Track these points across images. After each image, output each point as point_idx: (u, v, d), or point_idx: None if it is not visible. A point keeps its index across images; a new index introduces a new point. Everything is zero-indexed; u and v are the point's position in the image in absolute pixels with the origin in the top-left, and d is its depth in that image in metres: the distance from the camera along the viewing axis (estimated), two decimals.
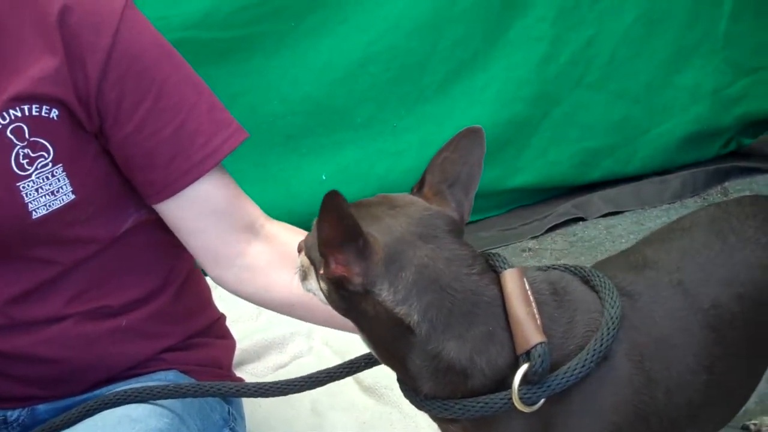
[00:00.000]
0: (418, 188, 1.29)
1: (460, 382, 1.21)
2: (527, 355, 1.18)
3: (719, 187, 3.63)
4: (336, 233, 1.15)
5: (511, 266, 1.25)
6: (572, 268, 1.34)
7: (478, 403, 1.21)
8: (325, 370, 1.59)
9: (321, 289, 1.27)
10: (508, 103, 3.50)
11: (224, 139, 1.58)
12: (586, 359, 1.20)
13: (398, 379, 1.29)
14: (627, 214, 3.48)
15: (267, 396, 1.62)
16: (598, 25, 3.53)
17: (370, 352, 1.35)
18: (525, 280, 1.23)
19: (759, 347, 1.44)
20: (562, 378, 1.20)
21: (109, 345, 1.63)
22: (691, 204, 3.53)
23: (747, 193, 3.48)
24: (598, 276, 1.30)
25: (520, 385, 1.18)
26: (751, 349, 1.42)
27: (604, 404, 1.26)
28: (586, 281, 1.31)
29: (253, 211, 1.66)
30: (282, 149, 3.29)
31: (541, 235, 3.38)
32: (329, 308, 1.31)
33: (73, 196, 1.50)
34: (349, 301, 1.23)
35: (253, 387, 1.62)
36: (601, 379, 1.23)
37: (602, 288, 1.28)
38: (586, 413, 1.25)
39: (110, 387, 1.65)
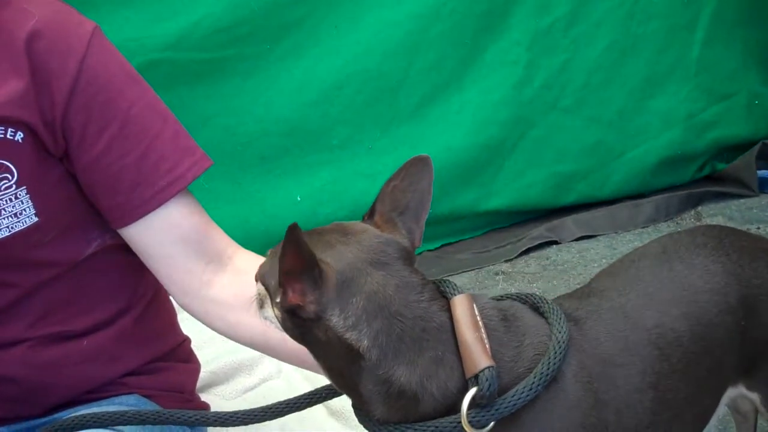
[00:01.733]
0: (369, 216, 1.30)
1: (412, 407, 1.22)
2: (475, 379, 1.19)
3: (693, 212, 3.65)
4: (296, 264, 1.16)
5: (461, 293, 1.26)
6: (522, 296, 1.36)
7: (429, 427, 1.21)
8: (286, 400, 1.58)
9: (276, 317, 1.28)
10: (483, 126, 3.52)
11: (189, 166, 1.58)
12: (533, 382, 1.21)
13: (353, 405, 1.29)
14: (600, 238, 3.49)
15: (227, 425, 1.60)
16: (573, 51, 3.58)
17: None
18: (474, 306, 1.24)
19: (710, 368, 1.45)
20: (510, 401, 1.21)
21: (70, 366, 1.62)
22: (665, 228, 3.55)
23: (720, 217, 3.50)
24: (546, 302, 1.32)
25: (469, 408, 1.19)
26: (701, 369, 1.43)
27: (554, 426, 1.27)
28: (535, 308, 1.33)
29: (222, 240, 1.65)
30: (257, 170, 3.30)
31: (515, 258, 3.39)
32: (298, 348, 1.32)
33: (36, 219, 1.50)
34: (302, 328, 1.23)
35: (213, 416, 1.61)
36: (551, 402, 1.25)
37: (550, 313, 1.30)
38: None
39: (70, 411, 1.64)
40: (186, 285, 1.61)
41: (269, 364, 2.51)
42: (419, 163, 1.30)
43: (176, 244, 1.58)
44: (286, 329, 1.27)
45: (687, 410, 1.43)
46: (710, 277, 1.47)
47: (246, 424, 1.59)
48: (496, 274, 3.28)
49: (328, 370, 1.27)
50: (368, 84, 3.36)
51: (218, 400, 2.29)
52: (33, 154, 1.48)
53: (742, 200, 3.67)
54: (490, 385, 1.19)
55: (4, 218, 1.47)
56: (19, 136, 1.45)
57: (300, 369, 2.44)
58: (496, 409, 1.20)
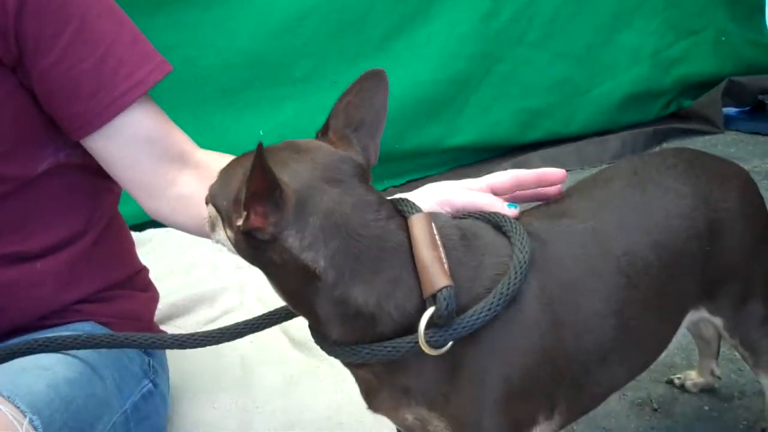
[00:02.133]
0: (323, 133, 1.25)
1: (369, 328, 1.19)
2: (433, 299, 1.17)
3: (658, 148, 3.64)
4: (261, 187, 1.11)
5: (419, 211, 1.23)
6: (486, 215, 1.32)
7: (386, 347, 1.19)
8: (243, 321, 1.55)
9: (228, 239, 1.23)
10: (449, 60, 3.47)
11: (149, 71, 1.53)
12: (492, 302, 1.19)
13: (309, 326, 1.26)
14: (567, 173, 3.46)
15: (185, 347, 1.57)
16: None
17: None
18: (433, 225, 1.21)
19: (675, 296, 1.44)
20: (468, 321, 1.18)
21: (22, 290, 1.57)
22: None
23: None
24: (509, 222, 1.29)
25: (426, 328, 1.16)
26: (665, 296, 1.42)
27: (512, 346, 1.25)
28: (497, 227, 1.29)
29: (182, 139, 1.61)
30: (219, 102, 3.22)
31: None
32: None
33: None
34: (256, 250, 1.19)
35: (170, 338, 1.57)
36: (510, 322, 1.22)
37: (513, 233, 1.27)
38: (494, 355, 1.24)
39: (24, 337, 1.59)
40: (152, 187, 1.57)
41: (231, 296, 2.48)
42: (374, 77, 1.24)
43: (140, 147, 1.54)
44: (239, 251, 1.22)
45: (648, 336, 1.43)
46: (680, 200, 1.45)
47: (203, 345, 1.55)
48: None
49: (283, 292, 1.23)
50: (332, 15, 3.28)
51: (179, 331, 2.25)
52: None
53: (707, 137, 3.69)
54: (448, 304, 1.16)
55: None
56: None
57: (263, 299, 2.42)
58: (454, 329, 1.18)
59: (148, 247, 2.80)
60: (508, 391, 1.25)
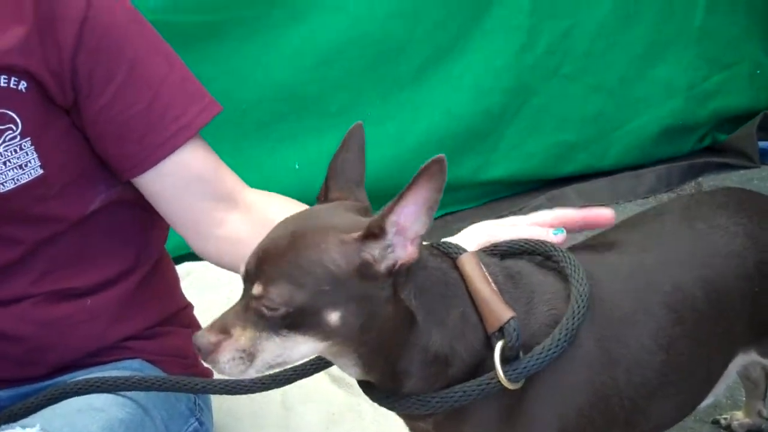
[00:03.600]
0: (324, 195, 1.25)
1: (441, 372, 1.20)
2: (500, 333, 1.18)
3: (693, 183, 3.63)
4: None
5: (464, 251, 1.25)
6: (533, 245, 1.33)
7: (456, 392, 1.20)
8: (291, 368, 1.55)
9: (329, 324, 1.15)
10: (485, 92, 3.47)
11: (198, 112, 1.55)
12: (559, 337, 1.21)
13: (365, 388, 1.25)
14: None
15: (233, 393, 1.57)
16: (575, 16, 3.52)
17: None
18: (481, 263, 1.23)
19: (723, 335, 1.44)
20: (541, 354, 1.20)
21: (73, 326, 1.59)
22: (666, 199, 3.52)
23: None
24: (560, 252, 1.30)
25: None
26: (713, 334, 1.42)
27: (568, 385, 1.26)
28: (547, 258, 1.31)
29: (232, 179, 1.63)
30: (255, 136, 3.24)
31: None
32: None
33: (41, 171, 1.46)
34: (370, 308, 1.16)
35: (220, 384, 1.57)
36: (566, 358, 1.23)
37: (566, 264, 1.28)
38: (551, 395, 1.25)
39: (73, 375, 1.60)
40: (199, 226, 1.59)
41: None
42: (359, 131, 1.28)
43: (188, 187, 1.56)
44: (345, 326, 1.15)
45: (696, 373, 1.43)
46: (730, 238, 1.46)
47: (252, 392, 1.55)
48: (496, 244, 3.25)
49: (372, 352, 1.19)
50: (368, 49, 3.29)
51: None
52: (37, 104, 1.44)
53: (742, 171, 3.66)
54: (517, 336, 1.19)
55: (9, 170, 1.43)
56: (23, 85, 1.41)
57: None
58: (527, 362, 1.19)
59: (187, 281, 2.80)
60: (560, 430, 1.26)
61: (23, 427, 1.30)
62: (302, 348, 1.16)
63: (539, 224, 1.43)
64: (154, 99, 1.50)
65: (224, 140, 3.11)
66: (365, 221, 1.15)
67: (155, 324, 1.74)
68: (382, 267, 1.14)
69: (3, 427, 1.35)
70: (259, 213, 1.60)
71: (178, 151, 1.53)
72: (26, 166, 1.45)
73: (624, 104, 3.68)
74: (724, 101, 3.79)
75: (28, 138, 1.44)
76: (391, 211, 1.12)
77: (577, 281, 1.26)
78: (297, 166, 3.24)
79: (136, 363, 1.67)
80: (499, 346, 1.19)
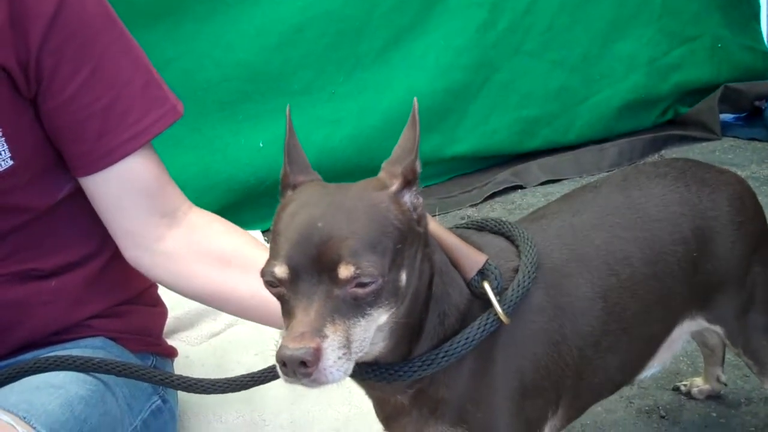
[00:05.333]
0: (288, 180, 1.23)
1: (444, 327, 1.25)
2: (480, 275, 1.26)
3: (656, 156, 3.67)
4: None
5: None
6: (479, 222, 1.43)
7: (459, 342, 1.23)
8: (250, 373, 1.56)
9: (401, 286, 1.15)
10: (447, 70, 3.49)
11: (156, 119, 1.55)
12: (523, 278, 1.29)
13: (362, 373, 1.22)
14: (565, 182, 3.50)
15: (191, 392, 1.59)
16: None
17: None
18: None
19: (661, 294, 1.49)
20: (520, 287, 1.28)
21: (37, 306, 1.60)
22: None
23: None
24: (500, 222, 1.41)
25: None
26: (651, 292, 1.47)
27: (525, 335, 1.32)
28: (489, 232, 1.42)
29: (177, 196, 1.63)
30: (218, 115, 3.23)
31: (481, 202, 3.38)
32: (240, 301, 1.52)
33: (11, 162, 1.46)
34: (422, 265, 1.20)
35: (178, 379, 1.59)
36: (522, 311, 1.30)
37: (507, 228, 1.39)
38: (512, 348, 1.30)
39: (35, 352, 1.60)
40: (137, 238, 1.59)
41: None
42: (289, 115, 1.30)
43: (133, 197, 1.55)
44: (409, 279, 1.16)
45: (636, 329, 1.48)
46: (665, 206, 1.52)
47: (208, 393, 1.57)
48: (462, 219, 3.27)
49: (405, 316, 1.19)
50: (330, 27, 3.29)
51: (183, 345, 2.26)
52: (8, 96, 1.44)
53: (704, 143, 3.72)
54: (499, 273, 1.27)
55: None
56: None
57: None
58: (514, 294, 1.27)
59: None
60: (522, 385, 1.31)
61: None
62: (378, 324, 1.12)
63: None
64: (115, 101, 1.50)
65: (187, 120, 3.05)
66: (385, 176, 1.17)
67: (119, 303, 1.74)
68: (416, 214, 1.17)
69: None
70: (202, 233, 1.61)
71: (129, 158, 1.52)
72: None
73: (586, 79, 3.71)
74: (685, 75, 3.84)
75: (0, 129, 1.43)
76: (415, 156, 1.15)
77: (521, 235, 1.37)
78: (261, 145, 3.23)
79: (98, 341, 1.67)
80: (488, 286, 1.25)
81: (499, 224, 1.41)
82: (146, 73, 1.56)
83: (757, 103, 3.82)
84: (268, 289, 1.12)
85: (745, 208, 1.61)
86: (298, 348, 1.03)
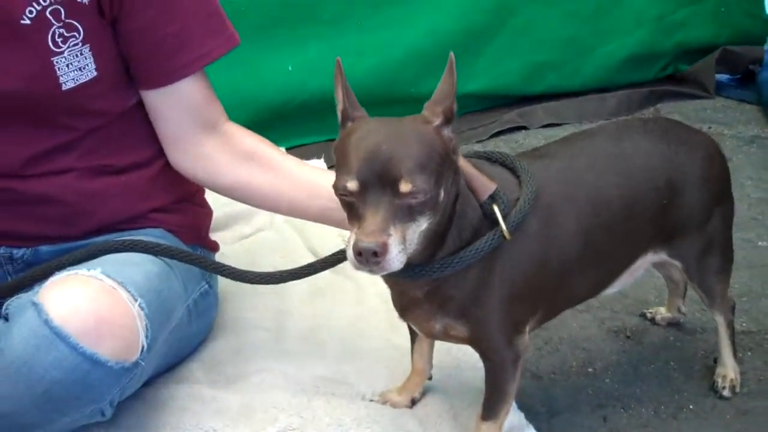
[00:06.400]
0: (351, 115, 1.52)
1: (461, 238, 1.56)
2: (491, 199, 1.55)
3: (652, 108, 3.90)
4: None
5: None
6: (490, 152, 1.72)
7: (470, 251, 1.55)
8: (292, 269, 1.94)
9: (439, 201, 1.47)
10: (466, 12, 3.70)
11: (215, 46, 1.85)
12: (524, 202, 1.59)
13: (389, 274, 1.50)
14: (566, 126, 3.72)
15: (239, 280, 1.94)
16: None
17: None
18: None
19: (632, 231, 1.80)
20: (520, 211, 1.58)
21: (109, 197, 1.90)
22: None
23: (676, 115, 3.75)
24: (507, 156, 1.69)
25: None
26: (624, 230, 1.78)
27: (520, 255, 1.63)
28: (501, 163, 1.69)
29: (219, 112, 1.94)
30: (251, 39, 3.38)
31: (486, 139, 3.62)
32: (260, 191, 1.85)
33: (95, 73, 1.74)
34: (454, 182, 1.51)
35: (227, 269, 1.92)
36: (519, 235, 1.60)
37: (512, 162, 1.67)
38: (508, 263, 1.62)
39: (105, 237, 1.90)
40: (181, 143, 1.90)
41: (264, 216, 2.78)
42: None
43: (183, 111, 1.87)
44: (443, 197, 1.48)
45: (606, 257, 1.80)
46: (648, 158, 1.81)
47: (258, 283, 1.93)
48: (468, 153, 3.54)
49: (436, 227, 1.49)
50: None
51: (220, 243, 2.56)
52: (95, 15, 1.70)
53: (698, 101, 3.94)
54: (506, 199, 1.57)
55: (71, 71, 1.71)
56: None
57: (291, 221, 2.72)
58: (516, 216, 1.58)
59: None
60: (511, 292, 1.63)
61: (88, 269, 1.61)
62: (421, 229, 1.44)
63: None
64: (182, 29, 1.78)
65: None
66: (429, 113, 1.47)
67: (174, 201, 2.04)
68: (452, 145, 1.47)
69: (68, 268, 1.66)
70: (233, 138, 1.93)
71: (186, 79, 1.81)
72: (84, 68, 1.73)
73: (596, 31, 3.90)
74: (688, 34, 4.03)
75: (88, 44, 1.72)
76: (453, 99, 1.46)
77: (521, 167, 1.65)
78: (290, 68, 3.47)
79: (158, 231, 1.98)
80: (496, 208, 1.55)
81: (506, 158, 1.70)
82: (209, 5, 1.85)
83: (751, 66, 4.02)
84: (339, 197, 1.43)
85: (714, 167, 1.91)
86: (372, 242, 1.35)
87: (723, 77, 4.12)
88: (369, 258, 1.36)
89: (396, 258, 1.38)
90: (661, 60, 4.06)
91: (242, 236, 2.70)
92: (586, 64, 3.94)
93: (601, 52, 3.95)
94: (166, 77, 1.82)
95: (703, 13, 4.05)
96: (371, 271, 1.40)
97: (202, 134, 1.90)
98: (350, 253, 1.39)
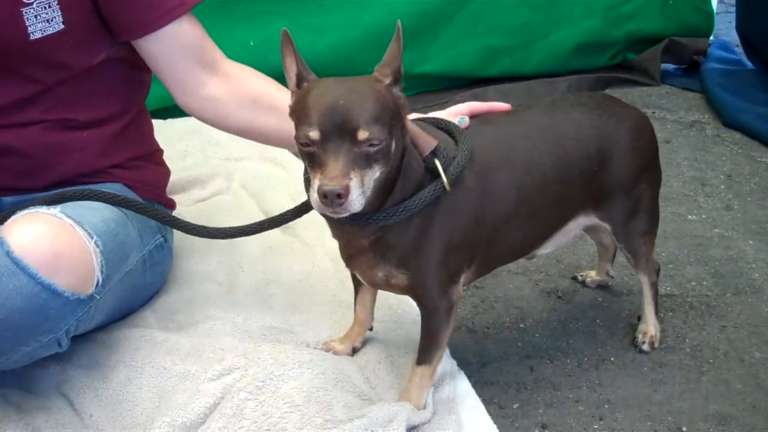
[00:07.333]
0: (304, 79, 1.65)
1: (406, 189, 1.68)
2: (432, 155, 1.68)
3: (600, 93, 4.04)
4: None
5: None
6: (437, 119, 1.85)
7: (415, 201, 1.68)
8: (238, 227, 2.06)
9: (391, 152, 1.60)
10: None
11: None
12: (464, 155, 1.73)
13: (343, 220, 1.65)
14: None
15: (189, 233, 2.04)
16: None
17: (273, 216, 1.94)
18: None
19: (563, 193, 1.94)
20: (457, 165, 1.71)
21: (71, 151, 2.00)
22: None
23: (623, 100, 3.90)
24: (446, 121, 1.83)
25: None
26: (555, 192, 1.92)
27: (457, 209, 1.76)
28: (445, 128, 1.83)
29: (215, 51, 2.06)
30: (215, 13, 3.54)
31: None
32: (268, 134, 1.99)
33: (62, 26, 1.84)
34: (400, 141, 1.64)
35: (184, 223, 2.03)
36: (457, 190, 1.73)
37: (449, 126, 1.82)
38: (447, 215, 1.74)
39: (69, 188, 2.00)
40: (185, 85, 2.01)
41: (220, 181, 2.90)
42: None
43: (180, 52, 1.96)
44: (395, 151, 1.62)
45: (539, 216, 1.94)
46: (580, 128, 1.96)
47: (205, 237, 2.04)
48: None
49: (385, 178, 1.61)
50: None
51: (177, 205, 2.67)
52: None
53: (644, 88, 4.10)
54: (446, 154, 1.70)
55: (39, 22, 1.81)
56: None
57: (246, 186, 2.84)
58: (455, 170, 1.71)
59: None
60: (448, 243, 1.76)
61: (48, 208, 1.72)
62: (376, 176, 1.56)
63: (456, 111, 1.91)
64: None
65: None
66: (379, 74, 1.59)
67: (135, 158, 2.16)
68: (401, 102, 1.60)
69: (30, 208, 1.76)
70: (236, 80, 2.05)
71: (175, 21, 1.93)
72: (52, 21, 1.83)
73: (548, 19, 4.05)
74: (636, 25, 4.19)
75: None
76: (400, 62, 1.58)
77: (461, 132, 1.79)
78: (252, 43, 3.58)
79: (117, 186, 2.09)
80: (437, 162, 1.69)
81: (444, 123, 1.84)
82: None
83: (695, 57, 4.20)
84: (300, 147, 1.55)
85: (642, 137, 2.06)
86: (335, 185, 1.48)
87: (670, 67, 4.29)
88: (333, 200, 1.48)
89: (357, 200, 1.50)
90: (611, 49, 4.22)
91: (199, 199, 2.81)
92: (538, 50, 4.08)
93: (553, 39, 4.09)
94: (157, 21, 1.93)
95: (651, 6, 4.21)
96: (335, 213, 1.52)
97: (203, 74, 2.02)
98: (315, 197, 1.51)
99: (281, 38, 1.64)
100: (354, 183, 1.50)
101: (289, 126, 1.59)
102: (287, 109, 1.63)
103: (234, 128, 2.08)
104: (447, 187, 1.70)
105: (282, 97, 1.94)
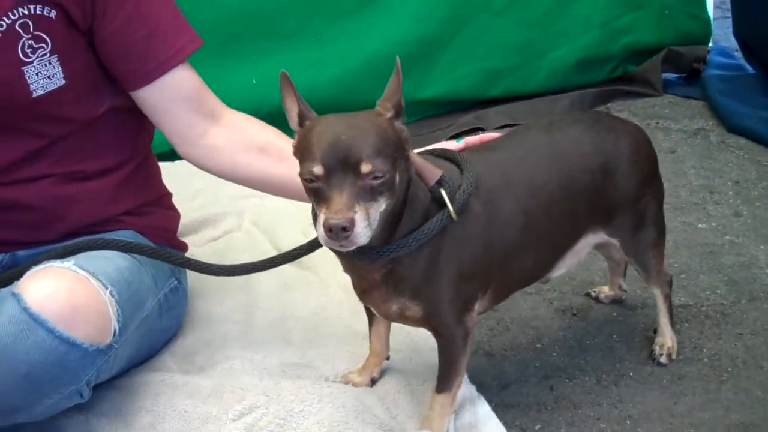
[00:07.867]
0: (306, 117, 1.67)
1: (413, 220, 1.70)
2: (437, 185, 1.70)
3: (603, 107, 4.07)
4: None
5: None
6: (434, 150, 1.88)
7: (422, 232, 1.69)
8: (261, 260, 2.05)
9: (397, 181, 1.61)
10: (421, 22, 3.86)
11: (189, 40, 2.00)
12: (470, 183, 1.75)
13: (352, 254, 1.66)
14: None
15: (200, 272, 2.06)
16: None
17: (281, 254, 1.94)
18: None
19: (570, 213, 1.95)
20: (465, 194, 1.73)
21: (81, 202, 2.03)
22: None
23: (626, 113, 3.93)
24: (449, 151, 1.86)
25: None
26: (563, 211, 1.93)
27: (466, 236, 1.77)
28: (448, 157, 1.84)
29: (214, 100, 2.09)
30: (217, 53, 3.59)
31: (445, 141, 3.76)
32: (277, 181, 1.97)
33: (64, 81, 1.88)
34: (406, 175, 1.66)
35: (196, 263, 2.05)
36: (464, 218, 1.75)
37: (453, 155, 1.83)
38: (456, 244, 1.76)
39: (80, 239, 2.03)
40: (186, 136, 2.03)
41: (230, 220, 2.92)
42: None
43: (179, 102, 1.99)
44: (399, 184, 1.63)
45: (549, 238, 1.95)
46: (579, 145, 1.98)
47: (216, 275, 2.06)
48: None
49: (392, 210, 1.64)
50: None
51: (189, 246, 2.70)
52: (64, 28, 1.85)
53: (646, 99, 4.10)
54: (451, 183, 1.72)
55: (40, 79, 1.84)
56: (53, 13, 1.82)
57: (258, 223, 2.86)
58: (461, 198, 1.72)
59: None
60: (459, 271, 1.77)
61: (62, 262, 1.75)
62: (381, 209, 1.58)
63: (452, 147, 1.97)
64: (156, 28, 1.93)
65: (191, 56, 3.50)
66: (381, 108, 1.61)
67: (144, 204, 2.19)
68: (404, 136, 1.62)
69: (44, 262, 1.79)
70: (240, 130, 2.07)
71: (173, 70, 1.96)
72: (53, 77, 1.86)
73: (546, 37, 4.07)
74: (634, 37, 4.20)
75: (56, 55, 1.86)
76: (401, 95, 1.60)
77: (463, 159, 1.80)
78: (254, 81, 3.63)
79: (128, 233, 2.11)
80: (445, 191, 1.70)
81: (448, 152, 1.86)
82: (174, 8, 2.01)
83: (695, 65, 4.21)
84: (305, 184, 1.57)
85: (640, 151, 2.08)
86: (340, 218, 1.49)
87: (671, 76, 4.30)
88: (339, 233, 1.50)
89: (362, 232, 1.52)
90: (610, 62, 4.23)
91: (211, 239, 2.83)
92: (539, 69, 4.10)
93: (553, 57, 4.11)
94: (154, 72, 1.96)
95: (648, 17, 4.23)
96: (341, 246, 1.54)
97: (204, 123, 2.04)
98: (321, 231, 1.53)
99: (280, 80, 1.67)
100: (359, 216, 1.51)
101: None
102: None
103: (239, 177, 2.09)
104: (454, 215, 1.71)
105: (289, 147, 1.96)
